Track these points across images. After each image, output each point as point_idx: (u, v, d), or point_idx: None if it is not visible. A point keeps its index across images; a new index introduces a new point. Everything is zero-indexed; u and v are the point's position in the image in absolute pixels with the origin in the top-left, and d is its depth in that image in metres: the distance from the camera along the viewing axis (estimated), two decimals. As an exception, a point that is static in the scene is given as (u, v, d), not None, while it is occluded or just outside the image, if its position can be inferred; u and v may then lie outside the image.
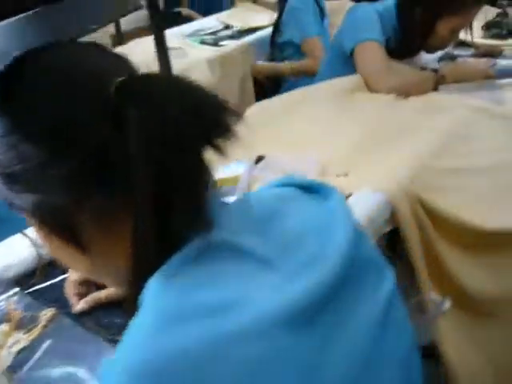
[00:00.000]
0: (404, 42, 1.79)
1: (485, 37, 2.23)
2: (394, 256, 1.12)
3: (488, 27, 2.25)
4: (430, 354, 1.15)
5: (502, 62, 1.94)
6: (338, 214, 0.62)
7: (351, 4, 2.20)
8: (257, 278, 0.51)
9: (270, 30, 2.71)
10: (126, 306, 0.54)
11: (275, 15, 2.68)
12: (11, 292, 0.93)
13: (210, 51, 2.57)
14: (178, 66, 2.32)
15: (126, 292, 0.55)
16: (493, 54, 2.03)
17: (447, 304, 1.04)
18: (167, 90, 0.51)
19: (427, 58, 1.92)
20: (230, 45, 2.64)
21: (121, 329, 0.50)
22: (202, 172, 0.52)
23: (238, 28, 2.94)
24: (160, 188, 0.48)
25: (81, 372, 0.76)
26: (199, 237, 0.51)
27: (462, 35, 1.81)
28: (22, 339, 0.83)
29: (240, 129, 0.51)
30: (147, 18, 2.07)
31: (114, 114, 0.49)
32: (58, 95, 0.51)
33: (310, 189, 0.67)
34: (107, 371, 0.45)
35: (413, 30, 1.74)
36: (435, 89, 1.66)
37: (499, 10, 2.37)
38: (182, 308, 0.46)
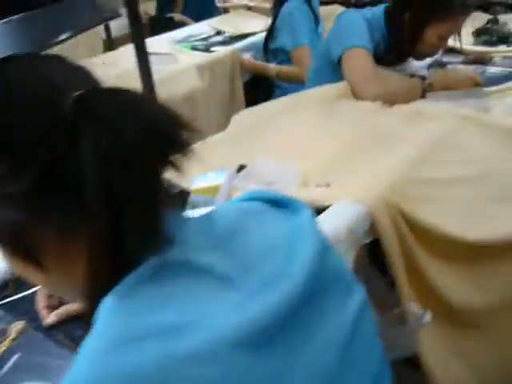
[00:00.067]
0: (392, 48, 1.79)
1: (475, 43, 2.22)
2: (375, 267, 1.11)
3: (478, 34, 2.24)
4: (414, 366, 1.14)
5: (492, 70, 1.94)
6: (304, 230, 0.61)
7: (342, 10, 2.19)
8: (216, 297, 0.50)
9: (263, 35, 2.71)
10: (85, 322, 0.53)
11: (269, 21, 2.67)
12: (-18, 305, 0.91)
13: (200, 57, 2.56)
14: (167, 72, 2.32)
15: (84, 308, 0.54)
16: (482, 60, 2.03)
17: (428, 317, 1.03)
18: (124, 105, 0.50)
19: (416, 65, 1.92)
20: (220, 51, 2.64)
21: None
22: (157, 190, 0.51)
23: (230, 34, 2.93)
24: (113, 206, 0.47)
25: (48, 387, 0.75)
26: (156, 255, 0.50)
27: (452, 42, 1.81)
28: (-9, 352, 0.82)
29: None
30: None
31: (71, 129, 0.48)
32: (10, 108, 0.50)
33: (278, 203, 0.66)
34: None
35: (401, 36, 1.74)
36: (423, 96, 1.65)
37: (490, 17, 2.36)
38: (133, 330, 0.45)
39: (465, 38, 1.89)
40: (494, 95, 1.68)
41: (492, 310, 1.17)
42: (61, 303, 0.86)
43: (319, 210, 1.04)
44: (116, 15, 1.52)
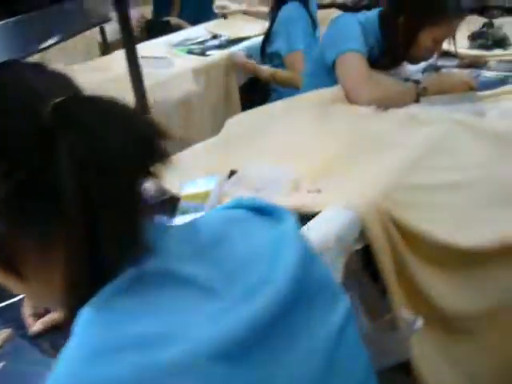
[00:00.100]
0: (387, 52, 1.79)
1: (470, 47, 2.22)
2: (366, 273, 1.10)
3: (474, 37, 2.24)
4: (406, 371, 1.14)
5: (486, 74, 1.94)
6: (288, 237, 0.60)
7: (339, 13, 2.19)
8: (196, 307, 0.50)
9: (259, 39, 2.70)
10: (65, 331, 0.53)
11: (267, 25, 2.67)
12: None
13: (195, 61, 2.55)
14: (163, 76, 2.32)
15: (64, 318, 0.54)
16: (477, 64, 2.03)
17: (419, 323, 1.02)
18: (104, 113, 0.50)
19: (411, 69, 1.91)
20: (216, 54, 2.63)
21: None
22: (135, 197, 0.51)
23: (227, 37, 2.93)
24: (89, 211, 0.47)
25: (32, 396, 0.74)
26: (134, 266, 0.49)
27: (447, 46, 1.80)
28: (-24, 361, 0.81)
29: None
30: (134, 28, 2.08)
31: (50, 136, 0.48)
32: None
33: (263, 211, 0.65)
34: None
35: (395, 40, 1.74)
36: (417, 100, 1.65)
37: (486, 20, 2.36)
38: (109, 341, 0.45)
39: (460, 42, 1.88)
40: (489, 99, 1.67)
41: (484, 316, 1.16)
42: (47, 311, 0.85)
43: (309, 216, 1.03)
44: (106, 20, 1.52)
